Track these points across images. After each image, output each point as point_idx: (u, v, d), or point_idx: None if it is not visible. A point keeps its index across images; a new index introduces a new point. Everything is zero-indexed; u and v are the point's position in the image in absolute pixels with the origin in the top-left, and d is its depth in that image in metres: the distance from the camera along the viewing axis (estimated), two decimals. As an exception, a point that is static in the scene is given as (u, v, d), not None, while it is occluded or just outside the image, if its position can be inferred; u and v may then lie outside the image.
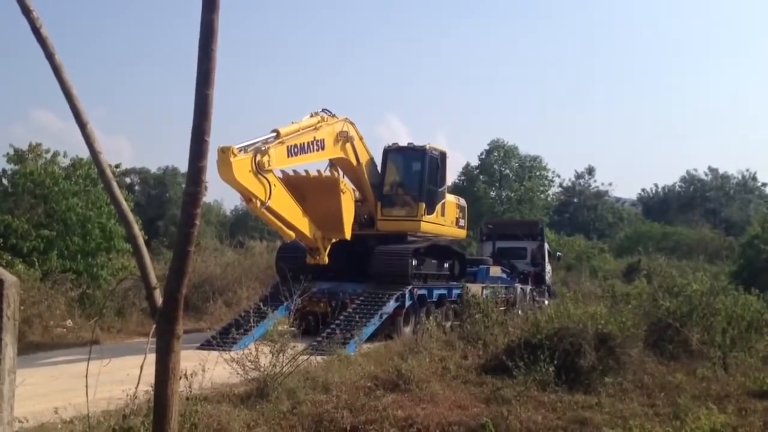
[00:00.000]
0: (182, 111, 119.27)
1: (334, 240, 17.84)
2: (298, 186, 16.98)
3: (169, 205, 72.92)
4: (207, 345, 14.55)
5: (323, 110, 17.75)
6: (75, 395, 9.61)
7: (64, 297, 18.87)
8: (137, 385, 6.27)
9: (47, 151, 22.08)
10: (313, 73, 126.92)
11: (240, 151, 14.34)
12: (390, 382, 10.24)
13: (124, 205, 4.24)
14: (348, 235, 17.70)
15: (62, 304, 18.42)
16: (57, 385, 11.07)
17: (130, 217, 4.27)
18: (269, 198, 15.05)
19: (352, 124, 18.57)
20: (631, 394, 10.24)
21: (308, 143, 16.58)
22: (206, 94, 3.62)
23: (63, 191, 20.95)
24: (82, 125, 3.79)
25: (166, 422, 4.07)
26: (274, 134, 15.48)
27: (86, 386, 6.01)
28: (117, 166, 23.73)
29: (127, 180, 74.37)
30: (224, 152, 14.09)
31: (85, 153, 22.98)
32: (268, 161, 14.91)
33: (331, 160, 18.49)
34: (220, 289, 22.84)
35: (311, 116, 17.16)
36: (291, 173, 17.41)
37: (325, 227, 17.42)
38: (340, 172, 18.76)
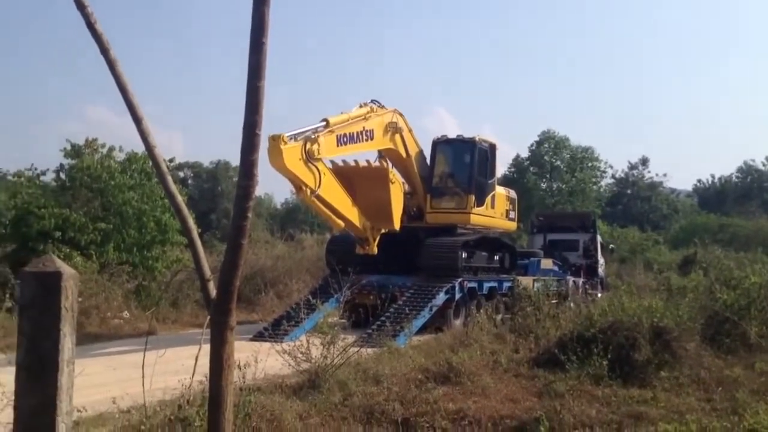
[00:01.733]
0: (234, 105, 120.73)
1: (383, 231, 17.86)
2: (347, 176, 17.11)
3: (221, 199, 74.07)
4: (259, 336, 14.69)
5: (372, 101, 17.83)
6: (131, 385, 9.81)
7: (121, 289, 19.31)
8: (192, 376, 6.38)
9: (103, 146, 22.60)
10: (361, 65, 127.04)
11: (290, 139, 14.54)
12: (441, 374, 10.21)
13: (179, 198, 4.30)
14: (397, 226, 17.74)
15: (119, 296, 18.87)
16: (114, 375, 11.33)
17: (185, 210, 4.32)
18: (319, 186, 15.20)
19: (401, 115, 18.58)
20: (688, 389, 9.98)
21: (357, 133, 16.69)
22: (257, 86, 3.63)
23: (119, 185, 21.44)
24: (137, 120, 3.84)
25: (221, 412, 4.11)
26: (324, 123, 15.65)
27: (143, 376, 6.13)
28: (171, 161, 24.16)
29: (181, 174, 75.78)
30: (275, 140, 14.30)
31: (139, 147, 23.45)
32: (318, 149, 15.08)
33: (380, 151, 18.53)
34: (271, 281, 23.11)
35: (360, 107, 17.24)
36: (340, 163, 17.51)
37: (375, 217, 17.49)
38: (389, 163, 18.79)
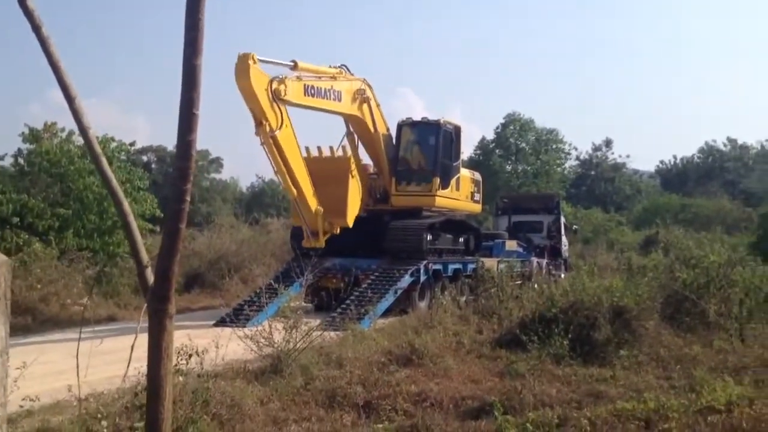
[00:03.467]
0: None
1: (334, 230, 17.56)
2: (308, 166, 16.85)
3: (187, 184, 73.17)
4: (222, 322, 14.58)
5: (342, 66, 17.79)
6: (89, 373, 9.71)
7: (81, 275, 19.00)
8: (128, 365, 6.25)
9: (62, 130, 22.15)
10: (326, 40, 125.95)
11: (260, 63, 14.69)
12: (404, 357, 10.22)
13: (114, 181, 4.17)
14: (350, 222, 17.50)
15: (79, 282, 18.54)
16: (72, 362, 11.13)
17: (120, 193, 4.20)
18: (279, 129, 15.07)
19: (369, 87, 18.53)
20: (647, 367, 10.13)
21: (325, 89, 16.77)
22: (194, 64, 3.53)
23: (79, 170, 21.06)
24: (70, 99, 3.72)
25: (160, 402, 4.03)
26: (292, 63, 15.72)
27: (77, 367, 6.02)
28: (132, 144, 23.81)
29: (144, 158, 74.72)
30: (244, 57, 14.34)
31: (101, 131, 23.09)
32: (285, 91, 15.11)
33: (347, 121, 18.61)
34: (235, 266, 22.92)
35: (330, 67, 17.37)
36: (304, 153, 17.39)
37: (328, 210, 17.13)
38: (357, 143, 18.79)
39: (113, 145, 22.52)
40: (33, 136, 21.55)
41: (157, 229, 29.03)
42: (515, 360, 10.05)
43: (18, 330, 14.52)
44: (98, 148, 4.03)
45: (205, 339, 9.61)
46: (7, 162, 22.09)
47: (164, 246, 4.09)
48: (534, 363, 9.84)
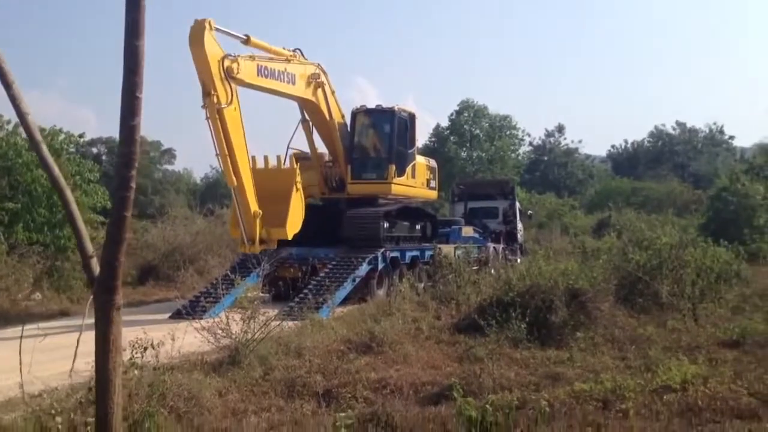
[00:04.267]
0: (149, 78, 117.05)
1: (271, 243, 16.52)
2: (254, 178, 16.15)
3: (137, 174, 72.00)
4: (178, 315, 14.35)
5: (296, 50, 17.62)
6: (42, 368, 9.48)
7: (32, 270, 18.55)
8: (74, 360, 6.10)
9: (8, 122, 21.50)
10: (279, 26, 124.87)
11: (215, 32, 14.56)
12: (363, 345, 10.21)
13: (56, 170, 4.03)
14: (289, 236, 16.58)
15: (30, 277, 18.12)
16: (24, 359, 10.86)
17: (62, 181, 4.05)
18: (228, 104, 14.71)
19: (324, 72, 18.39)
20: (603, 348, 10.30)
21: (279, 71, 16.55)
22: (136, 45, 3.42)
23: (26, 163, 20.46)
24: (7, 85, 3.58)
25: (108, 396, 3.90)
26: (245, 37, 15.64)
27: (20, 363, 5.86)
28: (81, 136, 23.22)
29: (94, 150, 73.21)
30: (201, 23, 14.22)
31: (47, 123, 22.49)
32: (237, 69, 14.86)
33: (301, 106, 18.57)
34: (190, 257, 22.62)
35: (284, 49, 17.22)
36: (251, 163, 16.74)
37: (269, 220, 16.13)
38: (311, 130, 18.72)
39: (61, 137, 21.97)
40: (-9, 124, 20.89)
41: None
42: (474, 345, 10.09)
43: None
44: (38, 135, 3.88)
45: (160, 332, 9.44)
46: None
47: (110, 235, 3.95)
48: (492, 347, 9.91)
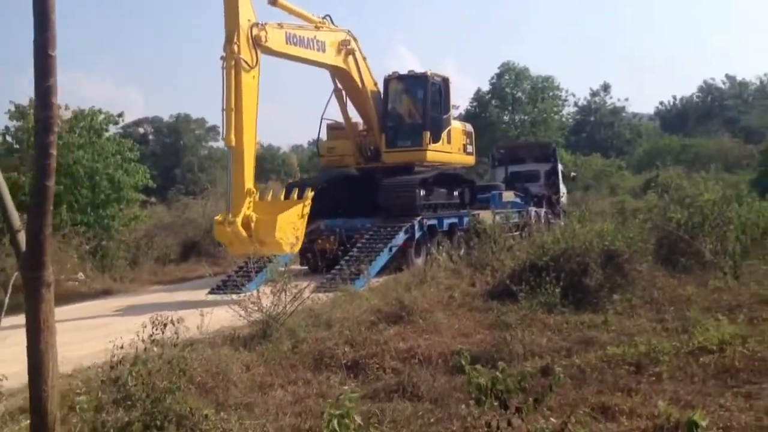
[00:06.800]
0: (193, 57, 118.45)
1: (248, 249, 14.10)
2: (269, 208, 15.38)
3: (183, 153, 73.03)
4: (217, 290, 14.50)
5: (326, 16, 17.48)
6: (79, 347, 9.66)
7: (76, 251, 18.90)
8: None
9: (47, 106, 21.81)
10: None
11: None
12: (393, 314, 10.10)
13: None
14: (285, 249, 14.49)
15: (74, 258, 18.46)
16: (61, 338, 11.09)
17: None
18: (251, 68, 14.40)
19: (354, 39, 18.21)
20: (640, 311, 10.02)
21: (308, 39, 16.41)
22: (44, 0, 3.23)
23: (68, 144, 20.79)
24: None
25: (42, 379, 3.77)
26: None
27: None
28: (119, 116, 23.41)
29: (141, 130, 74.36)
30: None
31: (87, 104, 22.76)
32: (265, 37, 14.74)
33: (332, 73, 18.41)
34: (231, 233, 22.76)
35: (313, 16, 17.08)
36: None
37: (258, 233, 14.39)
38: (345, 99, 18.47)
39: (101, 117, 22.22)
40: (19, 112, 21.25)
41: (152, 199, 29.01)
42: (506, 311, 9.91)
43: (10, 309, 14.47)
44: None
45: (198, 308, 9.58)
46: (-4, 140, 21.85)
47: (33, 207, 3.75)
48: (525, 313, 9.72)
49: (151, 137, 75.92)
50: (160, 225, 24.86)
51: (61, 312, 14.02)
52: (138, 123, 74.74)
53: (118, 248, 20.72)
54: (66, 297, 15.97)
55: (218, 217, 14.60)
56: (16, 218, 3.92)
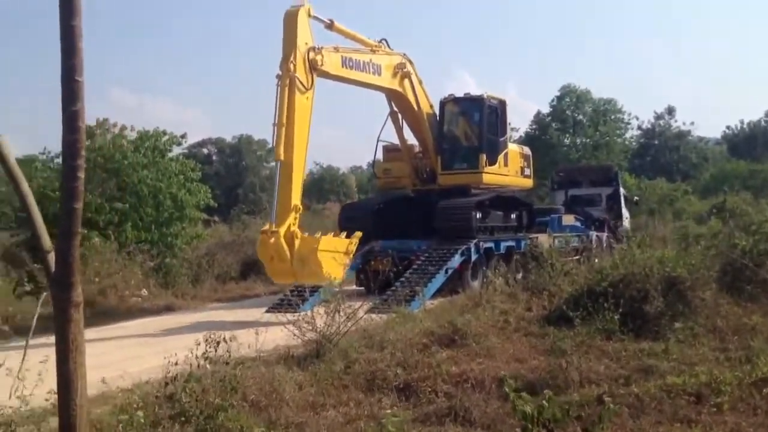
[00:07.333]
0: (255, 79, 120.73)
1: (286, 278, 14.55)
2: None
3: (246, 173, 74.38)
4: (275, 308, 14.60)
5: (382, 40, 17.61)
6: (140, 362, 9.86)
7: (141, 268, 19.35)
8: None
9: (114, 126, 22.53)
10: (373, 19, 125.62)
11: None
12: (446, 337, 10.03)
13: (12, 160, 3.98)
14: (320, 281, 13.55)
15: (138, 274, 18.90)
16: (123, 353, 11.37)
17: (18, 171, 3.99)
18: (308, 89, 14.59)
19: (410, 62, 18.31)
20: (702, 339, 9.70)
21: (364, 62, 16.57)
22: (71, 26, 3.29)
23: (133, 164, 21.40)
24: None
25: (70, 398, 3.80)
26: (329, 21, 15.82)
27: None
28: (182, 137, 23.99)
29: (205, 151, 76.12)
30: (299, 5, 14.51)
31: (151, 126, 23.42)
32: (321, 61, 14.89)
33: (388, 95, 18.53)
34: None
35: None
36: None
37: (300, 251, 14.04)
38: (401, 123, 18.45)
39: (165, 138, 22.83)
40: (87, 132, 21.92)
41: (216, 218, 29.51)
42: (561, 337, 9.73)
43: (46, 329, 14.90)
44: (8, 154, 3.84)
45: (254, 326, 9.72)
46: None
47: (62, 229, 3.81)
48: (582, 339, 9.53)
49: (214, 157, 77.65)
50: (221, 243, 25.23)
51: (124, 327, 14.58)
52: (202, 144, 76.66)
53: (180, 266, 21.12)
54: (130, 312, 16.39)
55: (265, 227, 14.42)
56: (46, 239, 4.01)
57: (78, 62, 3.41)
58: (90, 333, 13.81)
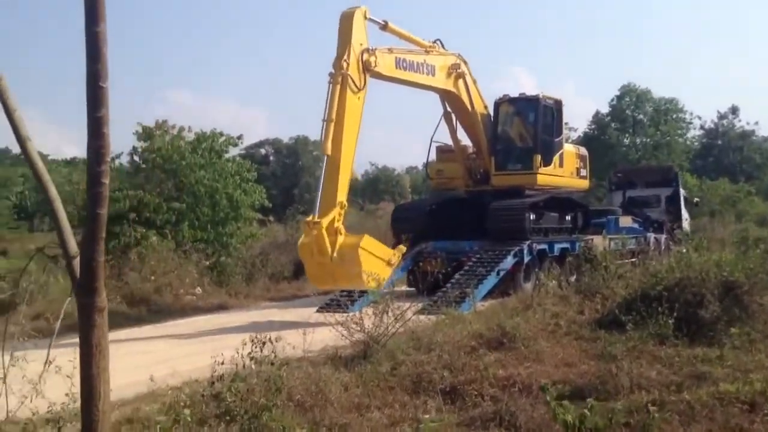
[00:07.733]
0: (312, 78, 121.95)
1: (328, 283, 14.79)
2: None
3: (302, 173, 75.04)
4: (325, 308, 14.70)
5: (436, 40, 17.59)
6: (193, 360, 10.02)
7: (196, 266, 19.70)
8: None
9: (173, 127, 22.99)
10: (430, 20, 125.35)
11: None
12: (495, 340, 9.92)
13: (40, 165, 4.05)
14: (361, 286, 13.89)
15: (193, 273, 19.25)
16: (178, 351, 11.59)
17: (47, 177, 4.05)
18: (361, 89, 14.68)
19: (464, 62, 18.24)
20: (760, 345, 9.38)
21: (418, 63, 16.57)
22: (95, 31, 3.31)
23: (190, 165, 21.82)
24: (9, 112, 3.66)
25: (93, 403, 3.84)
26: (383, 23, 15.90)
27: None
28: (239, 138, 24.35)
29: (262, 151, 77.12)
30: (355, 7, 14.73)
31: (208, 127, 23.82)
32: (375, 62, 14.95)
33: (442, 97, 18.50)
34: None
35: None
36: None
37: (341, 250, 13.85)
38: (455, 124, 18.35)
39: (221, 139, 23.22)
40: (146, 134, 22.48)
41: (271, 218, 29.87)
42: (614, 342, 9.54)
43: (132, 320, 15.30)
44: (36, 158, 3.93)
45: (303, 326, 9.81)
46: (124, 160, 23.17)
47: (86, 234, 3.84)
48: (634, 344, 9.33)
49: (271, 158, 78.59)
50: (275, 243, 25.50)
51: (177, 325, 14.86)
52: (260, 144, 77.69)
53: (235, 265, 21.44)
54: (184, 310, 16.69)
55: (308, 218, 14.04)
56: (73, 244, 4.08)
57: (103, 68, 3.47)
58: (144, 330, 14.31)
